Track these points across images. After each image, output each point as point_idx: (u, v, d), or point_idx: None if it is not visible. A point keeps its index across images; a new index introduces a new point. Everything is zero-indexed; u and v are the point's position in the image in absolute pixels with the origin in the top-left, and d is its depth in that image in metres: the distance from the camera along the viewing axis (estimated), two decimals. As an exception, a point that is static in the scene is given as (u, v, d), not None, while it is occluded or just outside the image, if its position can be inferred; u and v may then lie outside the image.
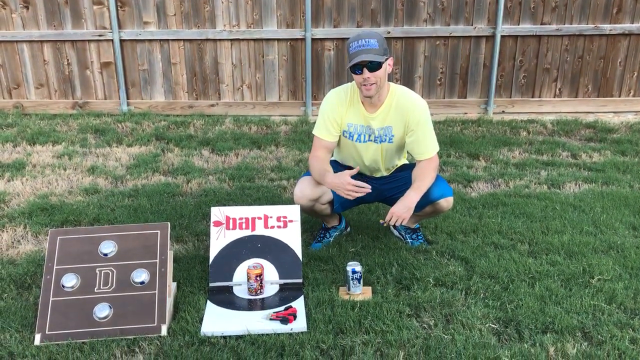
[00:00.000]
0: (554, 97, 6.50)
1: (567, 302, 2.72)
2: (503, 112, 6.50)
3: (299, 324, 2.57)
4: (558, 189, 4.35)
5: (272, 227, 3.06)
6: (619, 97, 6.48)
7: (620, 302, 2.73)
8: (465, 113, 6.50)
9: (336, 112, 3.13)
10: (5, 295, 2.86)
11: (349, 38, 2.98)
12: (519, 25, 6.25)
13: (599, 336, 2.48)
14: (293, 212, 3.09)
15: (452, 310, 2.68)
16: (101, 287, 2.65)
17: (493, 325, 2.57)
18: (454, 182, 4.48)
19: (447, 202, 3.15)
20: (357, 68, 2.90)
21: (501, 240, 3.41)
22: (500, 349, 2.39)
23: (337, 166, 3.33)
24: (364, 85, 2.94)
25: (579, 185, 4.42)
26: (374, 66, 2.89)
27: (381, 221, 3.04)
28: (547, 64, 6.38)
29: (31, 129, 5.87)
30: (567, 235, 3.46)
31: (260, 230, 3.05)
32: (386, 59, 2.94)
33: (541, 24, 6.24)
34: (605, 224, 3.64)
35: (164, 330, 2.54)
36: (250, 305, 2.78)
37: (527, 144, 5.50)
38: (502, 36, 6.25)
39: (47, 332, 2.51)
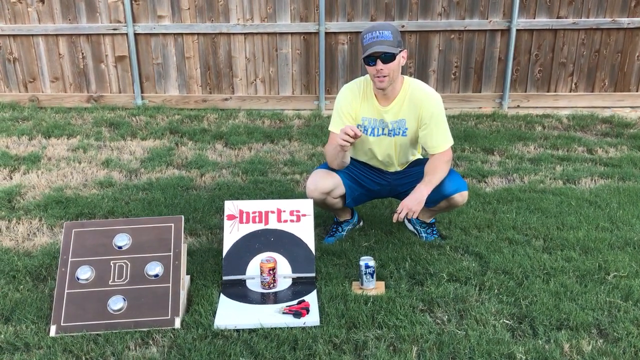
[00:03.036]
0: (570, 91, 6.43)
1: (583, 299, 2.70)
2: (518, 106, 6.45)
3: (312, 318, 2.57)
4: (574, 185, 4.31)
5: (285, 221, 3.06)
6: (637, 91, 6.39)
7: (637, 299, 2.70)
8: (480, 107, 6.45)
9: (351, 106, 3.11)
10: (21, 287, 2.89)
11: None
12: (534, 18, 6.18)
13: (615, 333, 2.45)
14: (306, 206, 3.09)
15: (466, 305, 2.67)
16: (115, 280, 2.67)
17: (507, 321, 2.56)
18: (468, 177, 4.45)
19: (461, 197, 3.13)
20: (371, 59, 2.89)
21: (516, 236, 3.38)
22: (514, 345, 2.37)
23: (351, 161, 3.31)
24: (377, 77, 2.92)
25: (595, 180, 4.37)
26: (388, 58, 2.87)
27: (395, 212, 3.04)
28: (563, 58, 6.31)
29: (46, 122, 5.91)
30: (583, 231, 3.43)
31: (273, 224, 3.06)
32: (400, 51, 2.92)
33: (557, 18, 6.17)
34: (622, 220, 3.60)
35: (177, 323, 2.55)
36: (263, 299, 2.78)
37: (543, 138, 5.45)
38: (518, 30, 6.19)
39: (62, 324, 2.53)
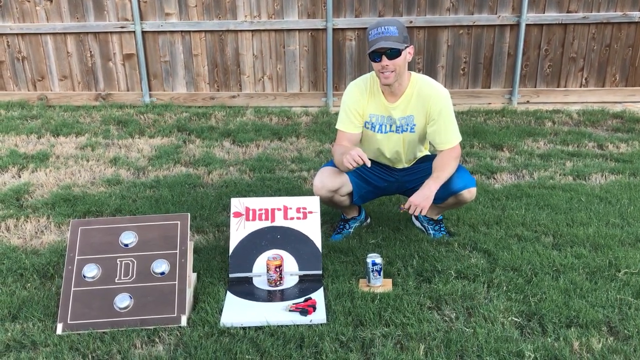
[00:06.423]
0: (580, 86, 6.37)
1: (593, 296, 2.67)
2: (528, 102, 6.40)
3: (319, 316, 2.56)
4: (584, 180, 4.27)
5: (292, 218, 3.05)
6: (648, 86, 6.34)
7: (647, 296, 2.67)
8: (489, 103, 6.40)
9: (358, 103, 3.09)
10: (29, 285, 2.89)
11: (369, 27, 2.95)
12: (544, 13, 6.13)
13: (626, 331, 2.42)
14: (313, 204, 3.07)
15: (474, 303, 2.64)
16: (122, 278, 2.67)
17: (516, 319, 2.53)
18: (477, 173, 4.42)
19: (470, 193, 3.10)
20: (376, 55, 2.87)
21: (525, 233, 3.35)
22: (522, 343, 2.35)
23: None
24: (383, 72, 2.90)
25: (605, 176, 4.33)
26: (393, 54, 2.85)
27: (401, 206, 3.02)
28: (573, 53, 6.25)
29: (55, 120, 5.93)
30: (593, 227, 3.39)
31: (279, 221, 3.04)
32: (406, 47, 2.90)
33: (567, 12, 6.11)
34: (633, 216, 3.55)
35: (183, 321, 2.54)
36: (270, 297, 2.77)
37: (552, 134, 5.40)
38: (527, 25, 6.14)
39: (68, 322, 2.53)
